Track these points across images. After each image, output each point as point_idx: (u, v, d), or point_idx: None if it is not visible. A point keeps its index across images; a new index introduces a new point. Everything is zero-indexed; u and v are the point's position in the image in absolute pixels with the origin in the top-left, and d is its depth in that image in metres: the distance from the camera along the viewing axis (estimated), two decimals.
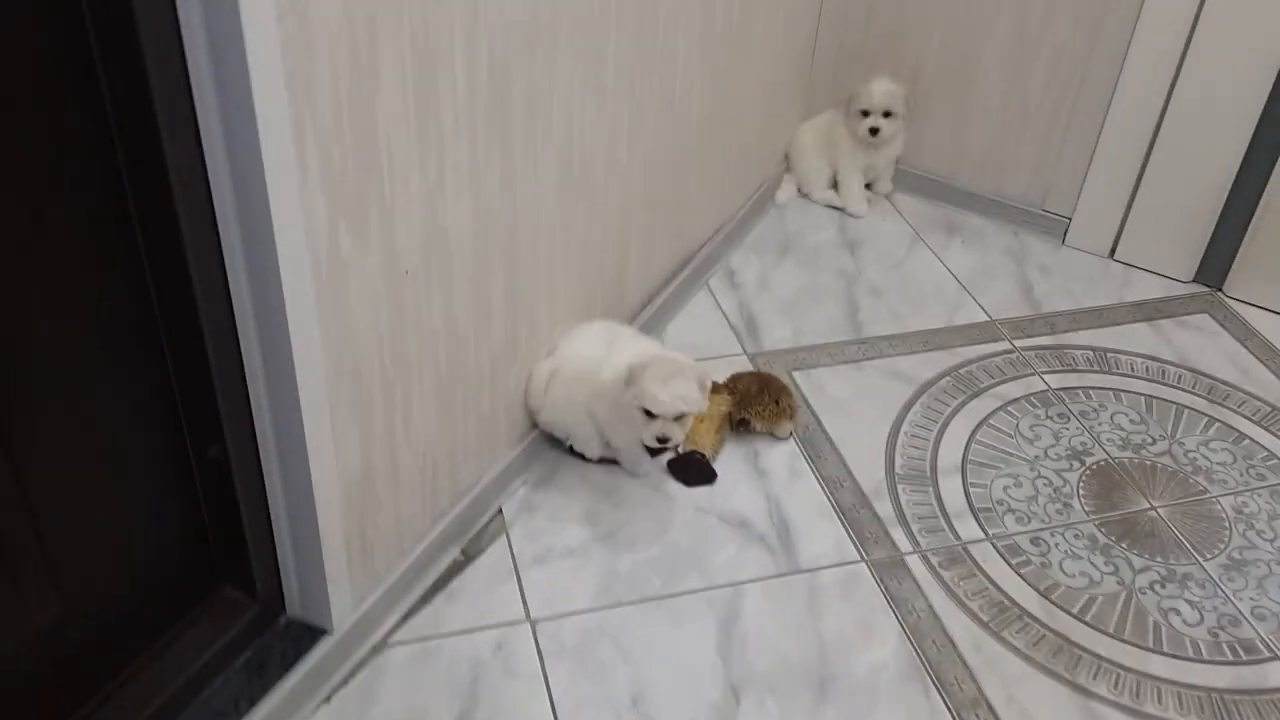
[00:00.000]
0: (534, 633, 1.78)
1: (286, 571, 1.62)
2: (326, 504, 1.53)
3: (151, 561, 1.52)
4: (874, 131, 2.79)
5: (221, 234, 1.31)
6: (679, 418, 1.86)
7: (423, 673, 1.70)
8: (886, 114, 2.78)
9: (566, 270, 2.00)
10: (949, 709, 1.70)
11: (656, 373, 1.82)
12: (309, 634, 1.65)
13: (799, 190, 2.99)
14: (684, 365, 1.87)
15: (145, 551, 1.50)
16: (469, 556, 1.90)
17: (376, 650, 1.73)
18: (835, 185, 2.96)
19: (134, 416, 1.41)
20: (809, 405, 2.29)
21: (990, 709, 1.71)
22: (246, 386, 1.44)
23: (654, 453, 1.94)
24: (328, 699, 1.65)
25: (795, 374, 2.37)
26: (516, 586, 1.86)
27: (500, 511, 1.99)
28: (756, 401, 2.17)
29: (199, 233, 1.30)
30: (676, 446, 1.93)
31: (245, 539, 1.56)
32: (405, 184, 1.48)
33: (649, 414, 1.84)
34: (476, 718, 1.64)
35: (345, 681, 1.67)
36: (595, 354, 1.98)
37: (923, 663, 1.77)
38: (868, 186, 2.98)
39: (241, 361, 1.42)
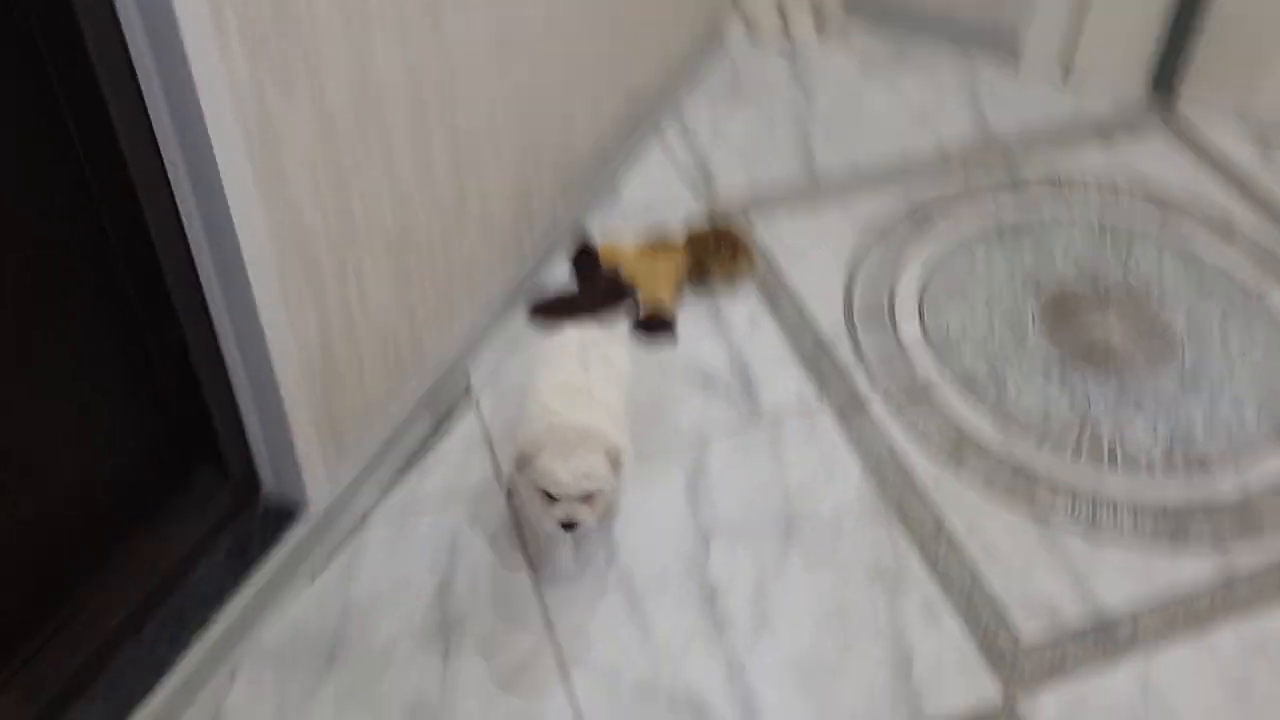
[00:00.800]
0: (509, 498, 1.82)
1: (258, 450, 1.64)
2: (289, 380, 1.55)
3: (125, 452, 1.54)
4: None
5: (148, 104, 1.29)
6: (586, 498, 1.57)
7: (402, 545, 1.74)
8: None
9: (510, 129, 1.96)
10: (911, 542, 1.77)
11: (556, 448, 1.55)
12: (287, 514, 1.69)
13: (747, 26, 2.91)
14: (590, 433, 1.58)
15: (118, 442, 1.52)
16: (439, 427, 1.93)
17: (355, 527, 1.77)
18: (784, 18, 2.88)
19: (86, 307, 1.40)
20: (767, 254, 2.29)
21: (951, 539, 1.77)
22: (194, 265, 1.43)
23: (567, 528, 1.60)
24: (311, 578, 1.69)
25: (752, 222, 2.36)
26: (489, 455, 1.89)
27: (468, 380, 2.01)
28: (714, 255, 2.17)
29: (125, 105, 1.28)
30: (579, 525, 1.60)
31: (214, 422, 1.57)
32: (330, 37, 1.44)
33: (549, 496, 1.56)
34: (457, 584, 1.70)
35: (327, 560, 1.72)
36: (557, 383, 1.70)
37: (885, 500, 1.83)
38: (816, 17, 2.91)
39: (185, 238, 1.41)
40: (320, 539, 1.72)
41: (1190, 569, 1.74)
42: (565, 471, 1.53)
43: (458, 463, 1.87)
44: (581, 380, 1.70)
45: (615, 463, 1.58)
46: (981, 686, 1.58)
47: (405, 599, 1.67)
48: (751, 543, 1.76)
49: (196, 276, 1.45)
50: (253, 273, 1.43)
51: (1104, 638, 1.64)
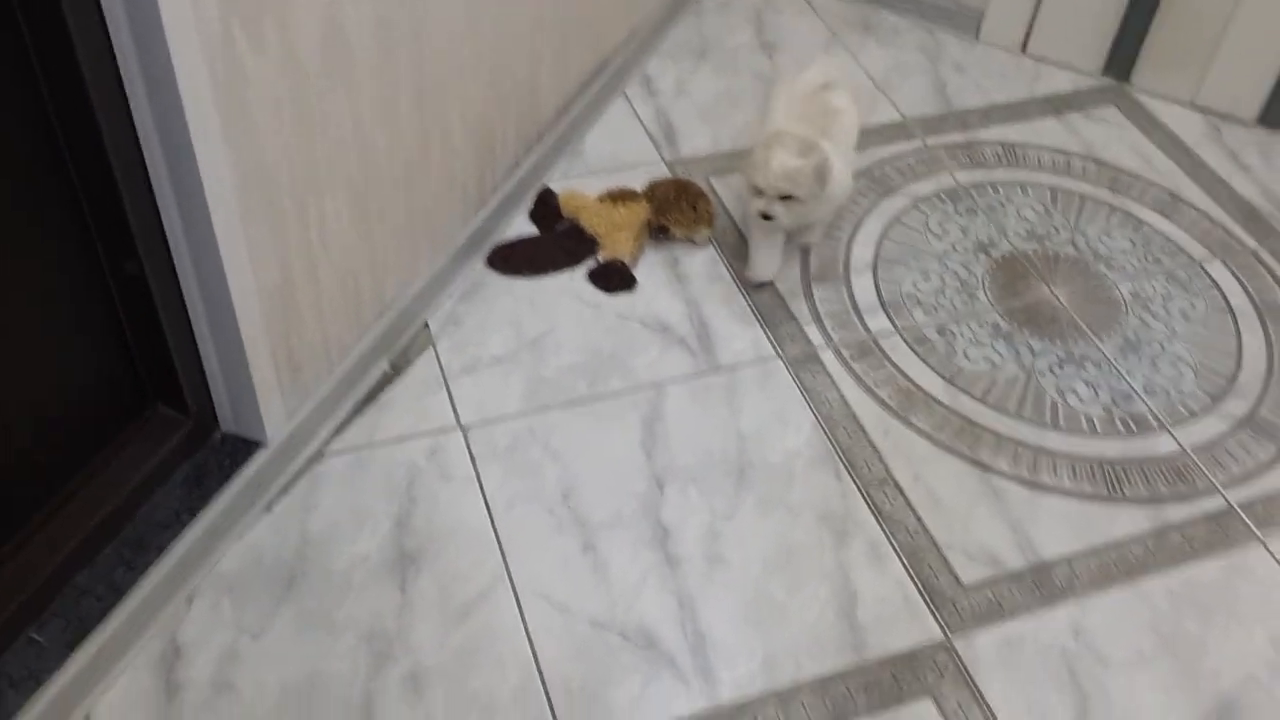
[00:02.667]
0: (465, 438, 1.84)
1: (216, 386, 1.65)
2: (248, 317, 1.55)
3: (81, 385, 1.53)
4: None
5: (113, 39, 1.29)
6: (785, 197, 1.88)
7: (360, 480, 1.76)
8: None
9: (476, 78, 1.97)
10: (859, 488, 1.82)
11: (773, 148, 1.86)
12: (244, 447, 1.70)
13: None
14: (808, 145, 1.87)
15: (74, 375, 1.52)
16: (397, 369, 1.94)
17: (313, 461, 1.78)
18: None
19: (43, 237, 1.40)
20: (726, 211, 2.32)
21: (897, 486, 1.83)
22: (154, 197, 1.43)
23: (765, 218, 1.94)
24: (269, 508, 1.71)
25: (713, 180, 2.39)
26: (446, 396, 1.91)
27: (426, 325, 2.02)
28: (674, 208, 2.20)
29: (89, 40, 1.27)
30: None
31: (172, 356, 1.58)
32: None
33: (758, 189, 1.89)
34: (414, 519, 1.72)
35: (285, 491, 1.73)
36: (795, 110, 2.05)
37: (834, 448, 1.88)
38: None
39: (147, 171, 1.41)
40: (278, 471, 1.73)
41: (1125, 521, 1.80)
42: (771, 168, 1.84)
43: (415, 403, 1.89)
44: (817, 113, 1.99)
45: (822, 176, 1.85)
46: (922, 627, 1.64)
47: (363, 531, 1.69)
48: (705, 487, 1.80)
49: (156, 208, 1.45)
50: (214, 208, 1.42)
51: (1041, 583, 1.71)
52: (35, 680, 1.42)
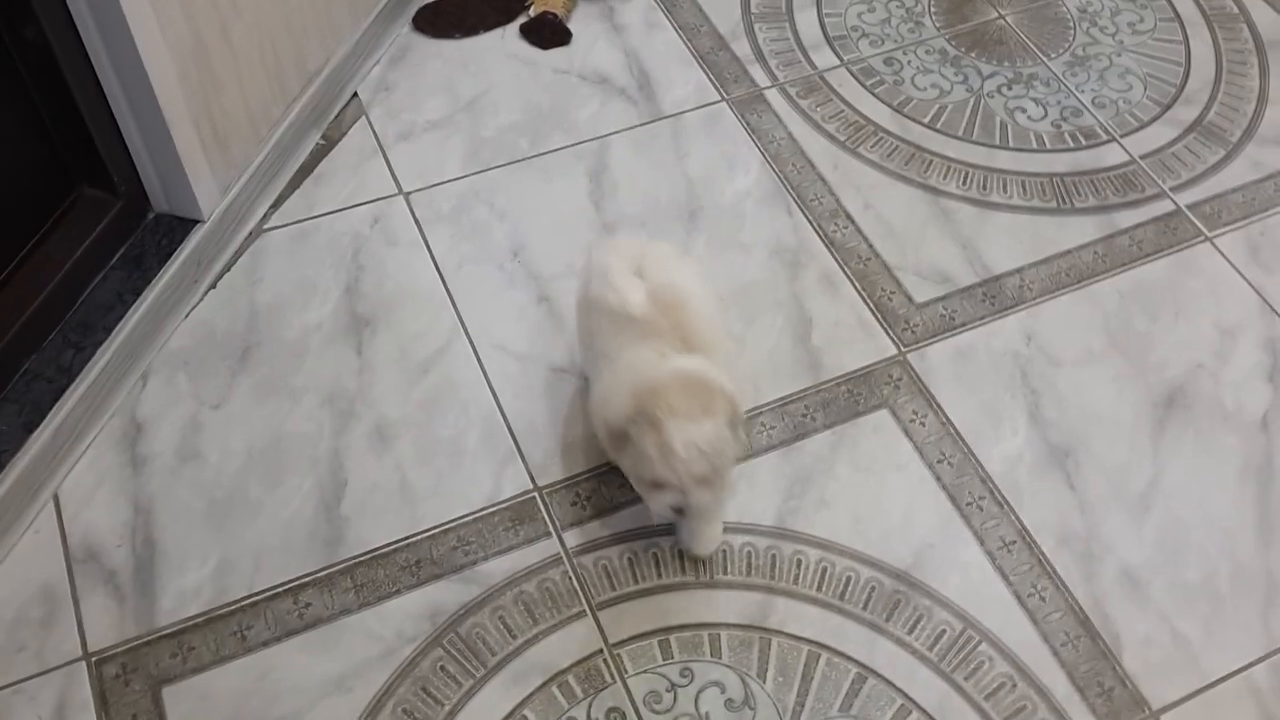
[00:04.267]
0: (409, 204, 1.81)
1: (142, 164, 1.60)
2: (163, 84, 1.49)
3: (6, 178, 1.47)
4: None
5: None
6: (703, 479, 1.24)
7: (304, 252, 1.73)
8: None
9: None
10: (810, 222, 1.81)
11: (661, 422, 1.21)
12: (180, 225, 1.65)
13: None
14: (698, 389, 1.24)
15: None
16: (331, 140, 1.88)
17: (253, 236, 1.74)
18: None
19: None
20: None
21: (848, 216, 1.81)
22: None
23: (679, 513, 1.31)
24: (214, 285, 1.68)
25: None
26: (384, 163, 1.86)
27: (356, 94, 1.95)
28: None
29: None
30: None
31: (90, 132, 1.52)
32: None
33: (659, 484, 1.25)
34: (364, 285, 1.70)
35: (228, 268, 1.70)
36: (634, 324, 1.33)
37: (784, 185, 1.85)
38: None
39: None
40: (219, 248, 1.70)
41: (1075, 231, 1.81)
42: (677, 454, 1.21)
43: (353, 173, 1.84)
44: (656, 315, 1.31)
45: (735, 423, 1.26)
46: (877, 345, 1.66)
47: (313, 299, 1.67)
48: (656, 233, 1.78)
49: None
50: None
51: (992, 296, 1.72)
52: None
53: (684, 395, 1.23)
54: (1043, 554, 1.46)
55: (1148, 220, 1.82)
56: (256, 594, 1.40)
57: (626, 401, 1.25)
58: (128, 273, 1.61)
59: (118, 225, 1.62)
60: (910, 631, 1.39)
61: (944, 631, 1.39)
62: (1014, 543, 1.47)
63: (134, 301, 1.58)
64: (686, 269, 1.40)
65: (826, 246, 1.77)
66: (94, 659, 1.34)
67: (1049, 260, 1.76)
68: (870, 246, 1.78)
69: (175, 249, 1.63)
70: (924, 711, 1.33)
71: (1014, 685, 1.36)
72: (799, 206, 1.83)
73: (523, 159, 1.88)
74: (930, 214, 1.82)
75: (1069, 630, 1.40)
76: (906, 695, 1.34)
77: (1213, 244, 1.79)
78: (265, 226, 1.76)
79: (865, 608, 1.41)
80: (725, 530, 1.45)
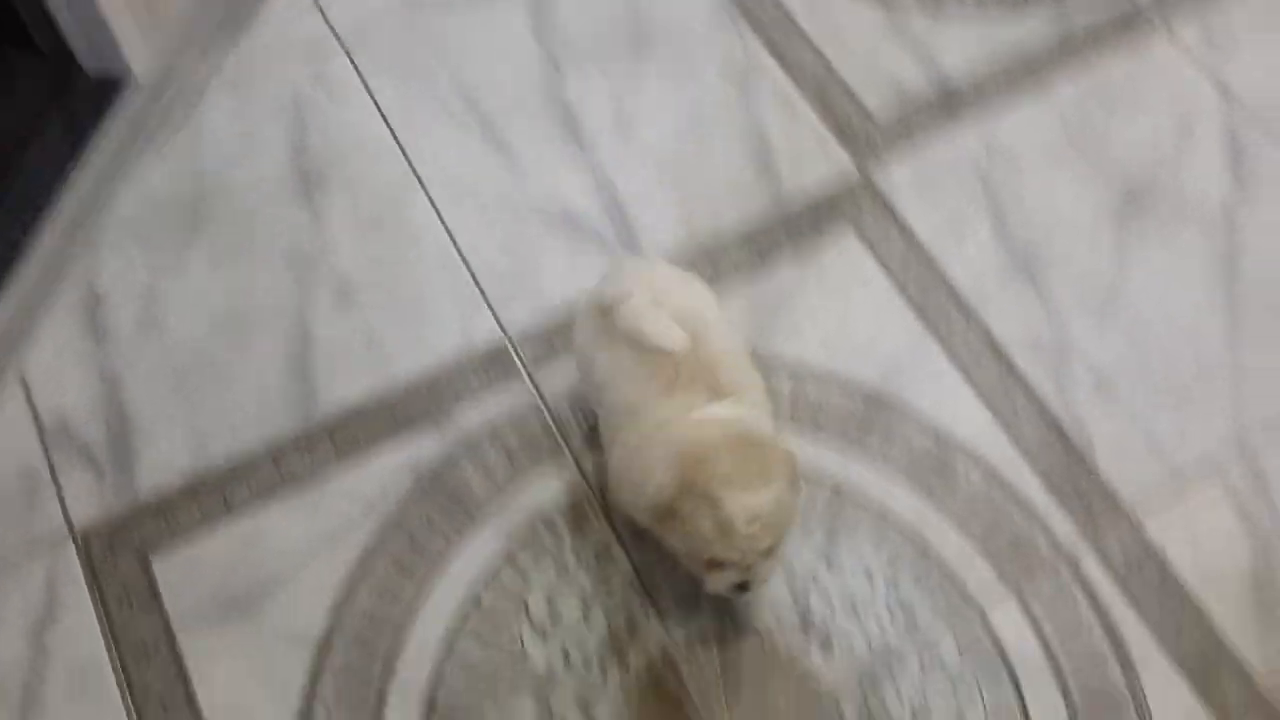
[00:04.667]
0: (349, 56, 1.74)
1: (64, 22, 1.52)
2: None
3: None
4: None
5: None
6: (769, 549, 1.11)
7: (246, 112, 1.68)
8: None
9: None
10: (761, 40, 1.75)
11: (721, 495, 1.06)
12: (112, 86, 1.60)
13: None
14: (753, 452, 1.10)
15: None
16: None
17: (193, 100, 1.68)
18: None
19: None
20: None
21: (801, 33, 1.76)
22: None
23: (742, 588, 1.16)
24: (159, 152, 1.63)
25: None
26: (320, 17, 1.78)
27: None
28: None
29: None
30: None
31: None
32: None
33: (720, 563, 1.11)
34: (310, 142, 1.65)
35: (172, 132, 1.64)
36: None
37: (733, 3, 1.79)
38: None
39: None
40: (157, 109, 1.64)
41: (1030, 33, 1.77)
42: (739, 530, 1.06)
43: (289, 30, 1.77)
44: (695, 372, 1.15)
45: (794, 481, 1.11)
46: (837, 163, 1.64)
47: (261, 160, 1.63)
48: (603, 63, 1.74)
49: None
50: None
51: (949, 105, 1.70)
52: None
53: (737, 460, 1.08)
54: (1012, 362, 1.48)
55: (1104, 20, 1.78)
56: (235, 459, 1.40)
57: (669, 474, 1.09)
58: (65, 139, 1.56)
59: (49, 91, 1.56)
60: (884, 448, 1.42)
61: (918, 446, 1.42)
62: (983, 354, 1.49)
63: (75, 168, 1.54)
64: (700, 293, 1.25)
65: (779, 65, 1.73)
66: (79, 533, 1.35)
67: (1006, 65, 1.73)
68: (825, 62, 1.73)
69: (110, 111, 1.58)
70: (901, 529, 1.37)
71: (990, 497, 1.39)
72: (748, 26, 1.77)
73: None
74: (884, 26, 1.77)
75: (1042, 436, 1.43)
76: (883, 512, 1.38)
77: (1170, 38, 1.76)
78: (205, 88, 1.69)
79: (839, 427, 1.43)
80: None
